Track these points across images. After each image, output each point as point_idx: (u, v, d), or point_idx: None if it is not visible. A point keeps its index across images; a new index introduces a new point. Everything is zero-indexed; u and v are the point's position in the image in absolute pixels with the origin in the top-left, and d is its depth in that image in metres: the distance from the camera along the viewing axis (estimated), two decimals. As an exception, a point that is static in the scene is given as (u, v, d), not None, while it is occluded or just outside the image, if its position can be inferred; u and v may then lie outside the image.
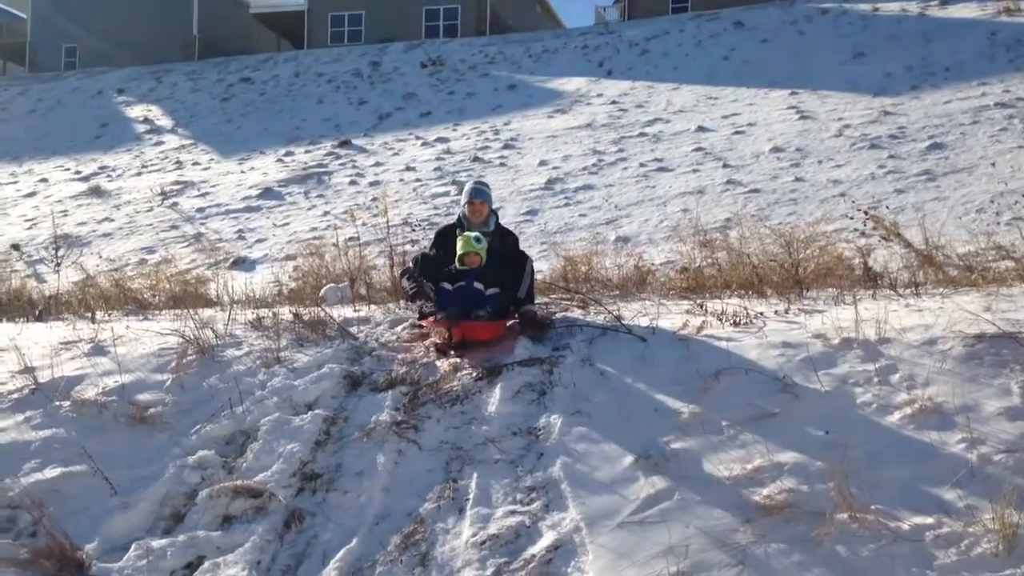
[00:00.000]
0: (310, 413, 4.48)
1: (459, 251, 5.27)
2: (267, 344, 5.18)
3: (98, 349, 5.25)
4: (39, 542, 3.64)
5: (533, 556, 3.38)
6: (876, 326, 4.23)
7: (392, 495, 3.94)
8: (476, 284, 5.19)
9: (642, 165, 13.46)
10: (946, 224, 9.27)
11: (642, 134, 15.09)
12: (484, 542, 3.52)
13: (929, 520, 3.08)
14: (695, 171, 12.85)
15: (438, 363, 4.89)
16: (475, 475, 3.93)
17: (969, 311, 4.18)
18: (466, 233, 5.34)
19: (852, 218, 9.26)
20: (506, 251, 5.43)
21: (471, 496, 3.79)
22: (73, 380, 4.81)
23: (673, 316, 5.12)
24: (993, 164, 10.89)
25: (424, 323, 5.26)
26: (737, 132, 14.28)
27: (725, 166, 12.77)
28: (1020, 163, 10.85)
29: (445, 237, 5.53)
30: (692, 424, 3.86)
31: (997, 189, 10.12)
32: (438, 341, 5.06)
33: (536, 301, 5.55)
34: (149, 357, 5.07)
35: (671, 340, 4.61)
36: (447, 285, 5.21)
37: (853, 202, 10.07)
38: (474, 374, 4.67)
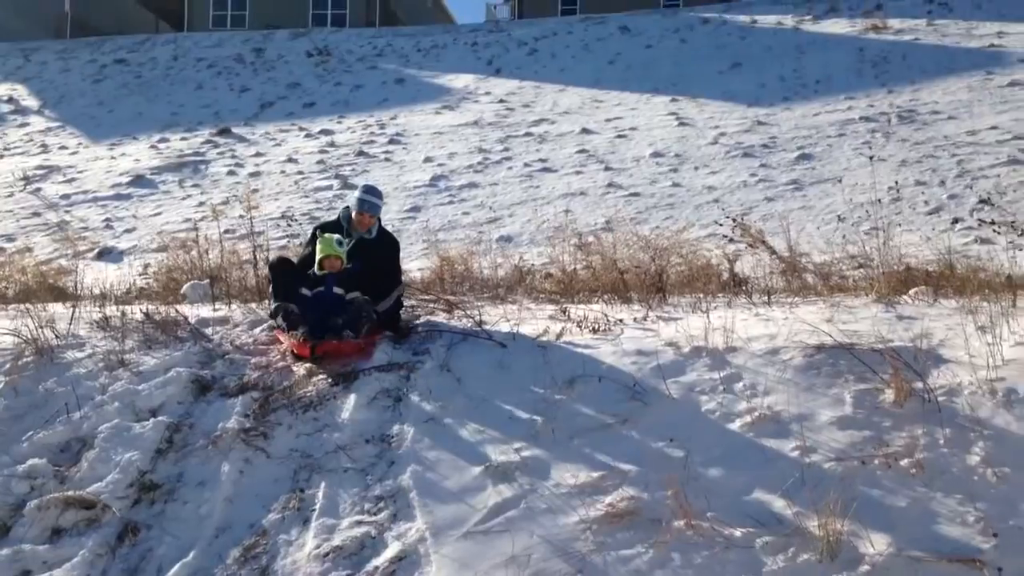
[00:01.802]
0: (152, 420, 4.28)
1: (319, 254, 5.08)
2: (112, 346, 4.93)
3: (-76, 348, 4.88)
4: None
5: (376, 568, 3.34)
6: (725, 335, 4.36)
7: (235, 506, 3.80)
8: (336, 289, 5.01)
9: (527, 165, 13.52)
10: (810, 233, 9.67)
11: (528, 134, 15.16)
12: (328, 554, 3.45)
13: (760, 527, 3.18)
14: (578, 172, 13.00)
15: (294, 367, 4.76)
16: (323, 484, 3.85)
17: (810, 323, 4.35)
18: (326, 235, 5.16)
19: (722, 224, 9.54)
20: (380, 262, 5.26)
21: (317, 506, 3.71)
22: None
23: (537, 321, 5.14)
24: (856, 176, 11.42)
25: (281, 337, 5.05)
26: (620, 135, 14.52)
27: (607, 169, 12.95)
28: (880, 175, 11.42)
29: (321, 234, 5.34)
30: (543, 432, 3.88)
31: (859, 199, 10.61)
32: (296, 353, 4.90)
33: (403, 306, 5.48)
34: (-19, 358, 4.76)
35: (530, 346, 4.63)
36: (306, 291, 5.01)
37: (722, 209, 10.37)
38: (330, 379, 4.57)
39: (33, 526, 3.70)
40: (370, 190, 5.39)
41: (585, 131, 14.95)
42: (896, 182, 10.55)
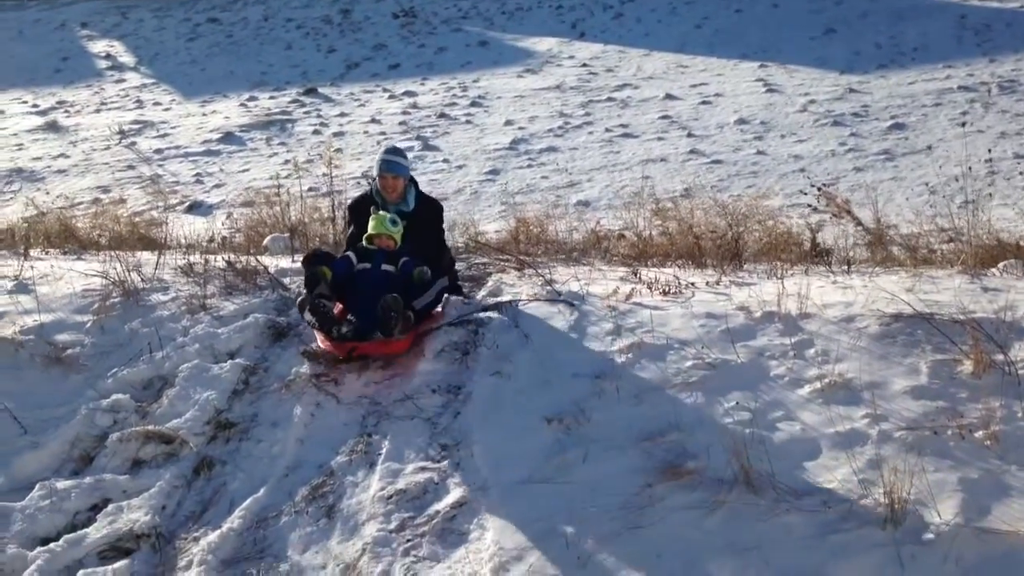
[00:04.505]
0: (230, 362, 4.44)
1: (371, 230, 4.74)
2: (194, 291, 5.11)
3: (21, 287, 5.15)
4: (-60, 479, 3.59)
5: (437, 512, 3.40)
6: (799, 301, 4.26)
7: (305, 447, 3.93)
8: (385, 266, 4.64)
9: (608, 130, 13.38)
10: (899, 204, 9.34)
11: (610, 99, 14.98)
12: (391, 496, 3.53)
13: (824, 491, 3.12)
14: (660, 139, 12.80)
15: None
16: (390, 430, 3.94)
17: (889, 292, 4.22)
18: (381, 213, 4.78)
19: (806, 193, 9.29)
20: (423, 233, 4.90)
21: (383, 451, 3.79)
22: (-10, 317, 4.72)
23: (607, 282, 5.11)
24: (951, 147, 10.96)
25: (319, 338, 4.51)
26: (704, 102, 14.22)
27: (690, 135, 12.72)
28: (978, 147, 10.93)
29: (358, 212, 4.98)
30: (607, 390, 3.88)
31: (952, 172, 10.19)
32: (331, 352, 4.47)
33: (474, 262, 5.50)
34: (72, 297, 4.99)
35: (599, 306, 4.61)
36: (351, 256, 4.69)
37: (808, 178, 10.09)
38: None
39: (114, 457, 3.89)
40: (392, 149, 4.94)
41: (669, 96, 14.69)
42: (989, 150, 10.10)
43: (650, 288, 4.84)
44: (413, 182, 5.00)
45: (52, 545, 3.35)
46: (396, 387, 4.24)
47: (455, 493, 3.48)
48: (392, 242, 4.72)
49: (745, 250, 6.45)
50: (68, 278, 5.28)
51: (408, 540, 3.25)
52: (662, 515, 3.11)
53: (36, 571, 3.21)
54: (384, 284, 4.50)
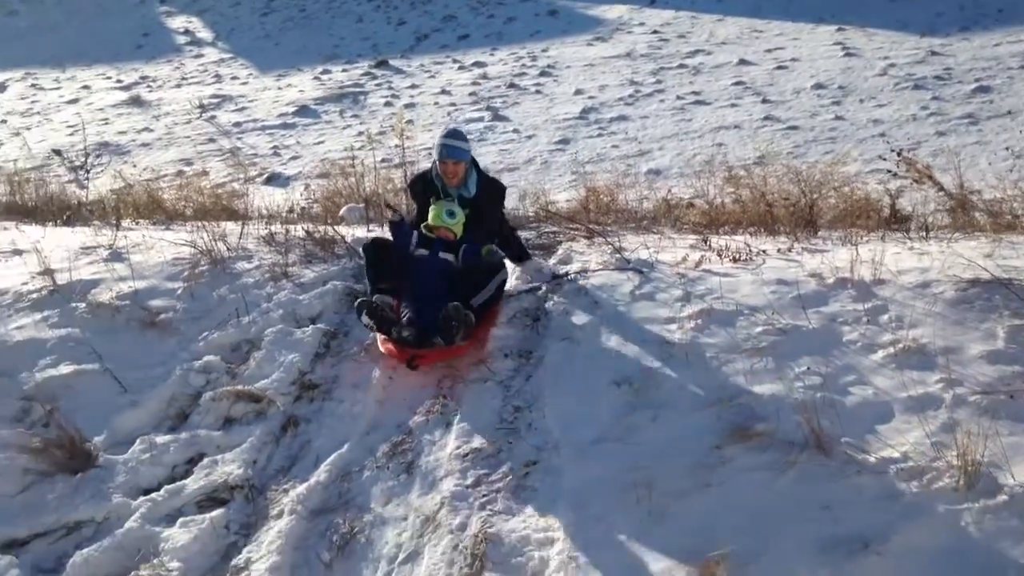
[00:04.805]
0: (312, 327, 4.64)
1: (430, 220, 4.66)
2: (276, 259, 5.32)
3: (116, 255, 5.43)
4: (50, 433, 3.86)
5: (512, 470, 3.52)
6: (873, 267, 4.24)
7: (384, 407, 4.10)
8: (443, 254, 4.58)
9: (679, 98, 13.23)
10: (982, 169, 9.07)
11: (682, 66, 14.79)
12: (467, 454, 3.66)
13: (896, 455, 3.14)
14: (733, 105, 12.62)
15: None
16: (465, 393, 4.08)
17: (967, 257, 4.16)
18: (442, 202, 4.68)
19: (886, 159, 9.09)
20: (485, 219, 4.77)
21: (459, 412, 3.94)
22: (90, 283, 5.00)
23: (677, 250, 5.15)
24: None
25: (379, 340, 4.39)
26: (779, 67, 13.94)
27: (764, 101, 12.50)
28: (1068, 110, 10.52)
29: (417, 192, 4.94)
30: (677, 355, 3.94)
31: (1040, 136, 9.85)
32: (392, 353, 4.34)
33: (544, 231, 5.58)
34: (164, 265, 5.25)
35: (668, 273, 4.66)
36: (413, 235, 4.64)
37: (887, 143, 9.85)
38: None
39: (208, 415, 4.12)
40: (452, 133, 4.69)
41: (743, 62, 14.44)
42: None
43: (720, 255, 4.86)
44: (475, 164, 4.84)
45: (154, 495, 3.59)
46: (470, 352, 4.37)
47: (528, 452, 3.60)
48: (451, 234, 4.63)
49: (820, 217, 6.39)
50: (159, 247, 5.55)
51: (484, 495, 3.39)
52: (732, 475, 3.18)
53: (140, 518, 3.44)
54: (442, 273, 4.47)
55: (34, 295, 4.88)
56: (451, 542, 3.19)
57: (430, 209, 4.68)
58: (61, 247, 5.62)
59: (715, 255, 4.86)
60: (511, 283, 4.93)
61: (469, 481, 3.49)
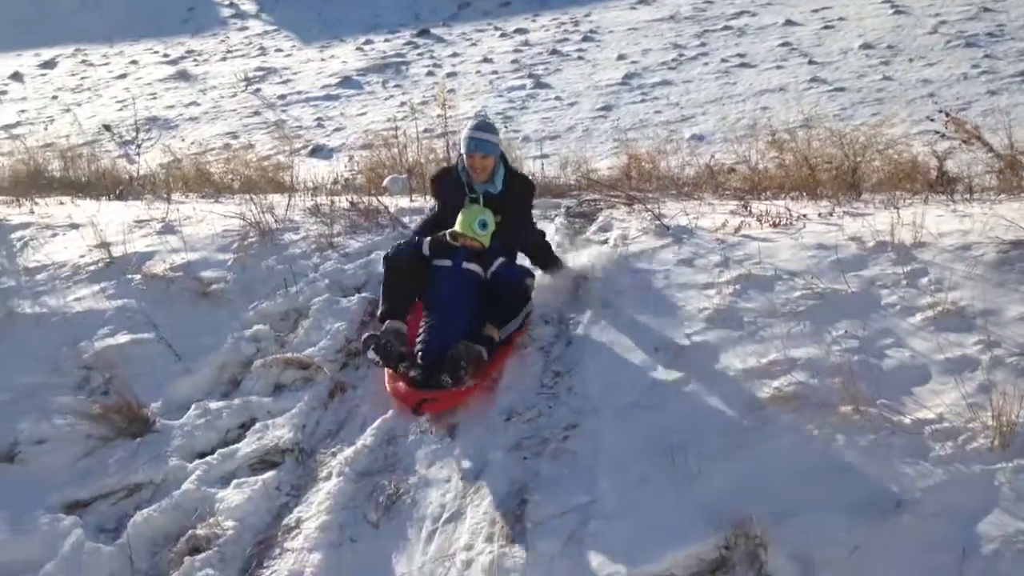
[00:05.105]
0: (357, 295, 4.77)
1: (457, 227, 4.25)
2: (322, 230, 5.45)
3: (168, 228, 5.62)
4: (109, 400, 4.07)
5: (552, 432, 3.61)
6: (913, 230, 4.22)
7: (428, 371, 4.19)
8: (467, 265, 4.18)
9: (724, 61, 13.07)
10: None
11: (726, 27, 14.58)
12: (509, 418, 3.77)
13: (931, 415, 3.16)
14: (779, 67, 12.43)
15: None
16: (507, 359, 4.16)
17: (1008, 218, 4.12)
18: (474, 208, 4.30)
19: (934, 120, 8.92)
20: (514, 210, 4.43)
21: (503, 377, 4.02)
22: (144, 255, 5.20)
23: (717, 216, 5.15)
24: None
25: (386, 377, 4.04)
26: (827, 26, 13.67)
27: (811, 62, 12.29)
28: None
29: (442, 190, 4.57)
30: (714, 320, 3.98)
31: (1097, 93, 9.57)
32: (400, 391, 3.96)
33: (585, 199, 5.59)
34: (214, 237, 5.42)
35: (707, 239, 4.68)
36: (424, 244, 4.27)
37: (936, 104, 9.65)
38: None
39: (259, 381, 4.28)
40: (480, 125, 4.34)
41: (789, 23, 14.18)
42: None
43: (760, 220, 4.86)
44: (503, 159, 4.48)
45: (208, 458, 3.76)
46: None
47: (568, 416, 3.68)
48: (478, 244, 4.23)
49: (865, 181, 6.33)
50: (209, 220, 5.72)
51: (525, 458, 3.49)
52: (768, 437, 3.23)
53: (196, 480, 3.61)
54: (467, 287, 4.13)
55: (91, 267, 5.08)
56: (493, 503, 3.30)
57: (460, 215, 4.27)
58: (115, 220, 5.82)
59: (755, 220, 4.87)
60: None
61: (510, 443, 3.59)
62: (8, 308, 4.85)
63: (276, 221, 5.59)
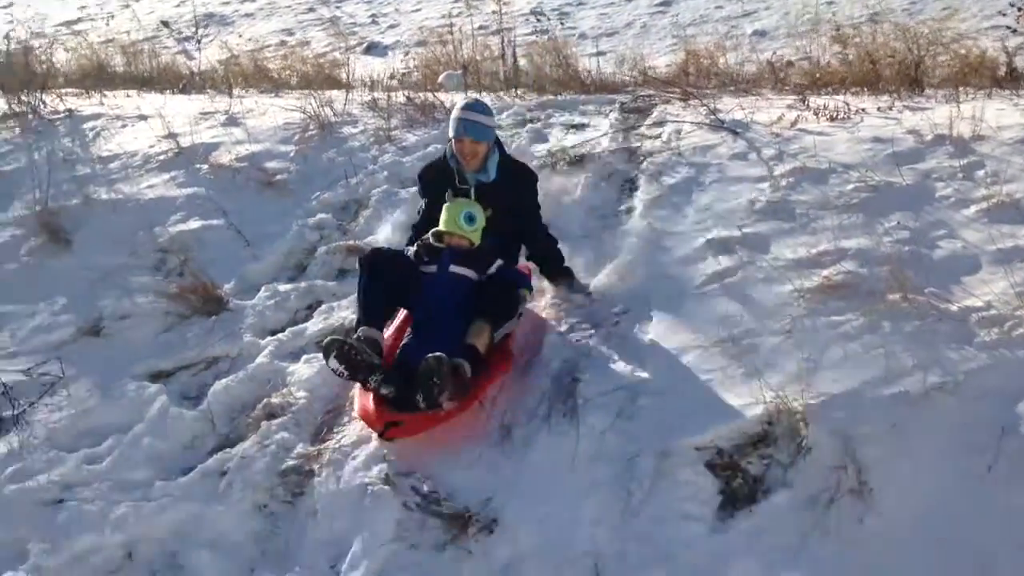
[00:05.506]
0: (414, 187, 4.88)
1: (441, 225, 3.64)
2: (380, 124, 5.56)
3: (232, 120, 5.78)
4: (185, 280, 4.31)
5: (605, 318, 3.75)
6: (973, 124, 4.17)
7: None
8: (455, 268, 3.55)
9: (788, -47, 12.59)
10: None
11: (793, -82, 13.98)
12: (561, 305, 3.92)
13: (979, 303, 3.21)
14: (848, -42, 11.95)
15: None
16: (564, 248, 4.26)
17: (1072, 110, 4.06)
18: (459, 202, 3.66)
19: (1006, 15, 8.57)
20: (509, 213, 3.79)
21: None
22: (210, 146, 5.38)
23: (773, 110, 5.12)
24: None
25: (356, 392, 3.45)
26: (902, -86, 13.03)
27: (883, -47, 11.79)
28: None
29: (429, 185, 3.95)
30: (767, 212, 4.03)
31: None
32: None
33: (640, 95, 5.55)
34: (276, 130, 5.57)
35: (763, 133, 4.68)
36: (409, 252, 3.68)
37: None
38: (567, 159, 4.90)
39: (323, 266, 4.50)
40: (471, 105, 3.77)
41: (862, -90, 13.53)
42: None
43: (817, 115, 4.84)
44: (499, 145, 3.89)
45: (279, 335, 4.00)
46: (564, 209, 4.52)
47: (619, 303, 3.80)
48: (466, 242, 3.62)
49: (928, 76, 6.18)
50: (271, 113, 5.87)
51: (578, 340, 3.64)
52: (816, 322, 3.32)
53: (268, 354, 3.86)
54: (456, 294, 3.50)
55: (161, 157, 5.29)
56: (547, 381, 3.47)
57: (443, 210, 3.66)
58: (181, 113, 5.99)
59: (812, 114, 4.84)
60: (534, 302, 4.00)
61: (563, 328, 3.74)
62: (85, 195, 5.09)
63: (335, 115, 5.71)
